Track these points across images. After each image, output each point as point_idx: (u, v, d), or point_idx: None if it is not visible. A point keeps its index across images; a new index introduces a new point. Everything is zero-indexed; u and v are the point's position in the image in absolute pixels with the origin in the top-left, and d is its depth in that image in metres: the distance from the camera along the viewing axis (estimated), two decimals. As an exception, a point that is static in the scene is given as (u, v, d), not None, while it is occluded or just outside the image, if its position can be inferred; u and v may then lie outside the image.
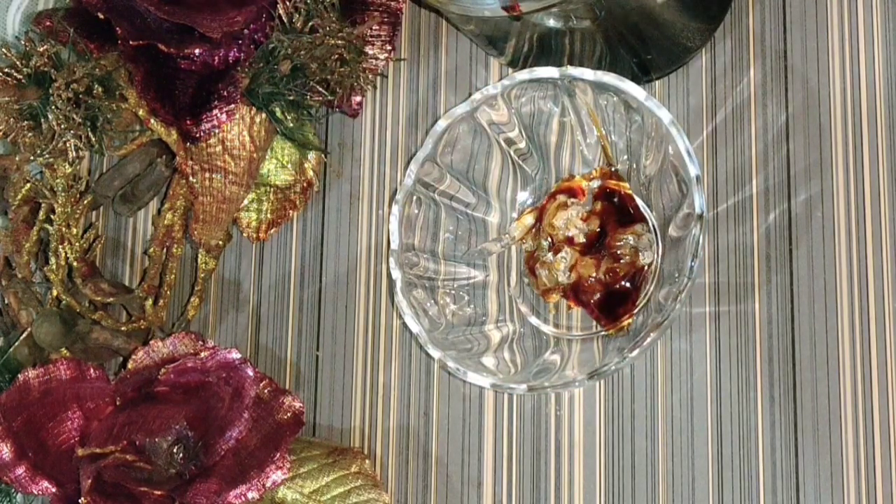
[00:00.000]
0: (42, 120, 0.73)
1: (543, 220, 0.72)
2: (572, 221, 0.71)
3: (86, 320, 0.77)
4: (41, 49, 0.73)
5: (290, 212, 0.78)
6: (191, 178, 0.75)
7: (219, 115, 0.73)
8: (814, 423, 0.68)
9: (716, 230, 0.71)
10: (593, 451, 0.71)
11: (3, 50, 0.74)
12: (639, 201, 0.71)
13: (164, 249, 0.78)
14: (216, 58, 0.75)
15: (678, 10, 0.69)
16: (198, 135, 0.74)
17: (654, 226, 0.70)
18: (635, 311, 0.70)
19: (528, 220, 0.72)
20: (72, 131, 0.73)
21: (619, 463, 0.70)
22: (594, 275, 0.70)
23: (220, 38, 0.74)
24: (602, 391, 0.71)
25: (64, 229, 0.77)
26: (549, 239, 0.71)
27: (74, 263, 0.77)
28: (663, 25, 0.69)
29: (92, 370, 0.75)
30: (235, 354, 0.73)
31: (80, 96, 0.73)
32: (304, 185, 0.78)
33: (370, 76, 0.77)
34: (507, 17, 0.63)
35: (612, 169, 0.71)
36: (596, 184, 0.71)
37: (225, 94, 0.73)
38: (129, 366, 0.75)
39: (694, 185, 0.64)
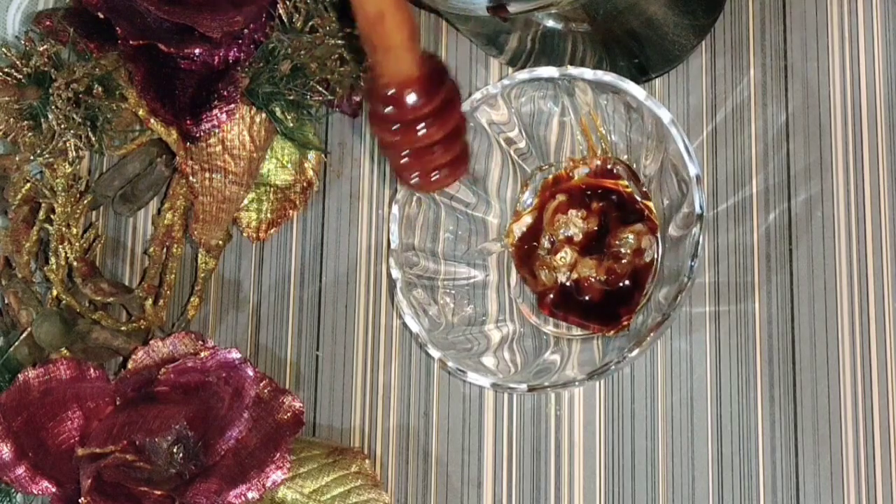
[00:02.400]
0: (42, 120, 0.73)
1: (543, 219, 0.72)
2: (572, 221, 0.71)
3: (86, 320, 0.77)
4: (41, 49, 0.73)
5: (290, 212, 0.78)
6: (191, 178, 0.75)
7: (219, 114, 0.73)
8: (814, 423, 0.68)
9: (716, 230, 0.71)
10: (593, 451, 0.71)
11: (3, 50, 0.74)
12: (639, 200, 0.71)
13: (164, 249, 0.78)
14: (216, 58, 0.75)
15: (667, 6, 0.69)
16: (198, 134, 0.74)
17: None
18: (636, 310, 0.69)
19: (527, 219, 0.72)
20: (72, 131, 0.73)
21: (619, 463, 0.70)
22: (594, 275, 0.70)
23: (220, 38, 0.74)
24: (602, 391, 0.71)
25: (64, 229, 0.77)
26: (550, 238, 0.71)
27: (74, 263, 0.77)
28: (656, 24, 0.69)
29: (92, 370, 0.75)
30: (235, 354, 0.73)
31: (80, 96, 0.73)
32: (304, 184, 0.78)
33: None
34: (497, 18, 0.63)
35: (612, 168, 0.71)
36: (585, 170, 0.71)
37: (225, 93, 0.73)
38: (129, 366, 0.75)
39: (694, 185, 0.64)
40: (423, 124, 0.60)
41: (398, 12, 0.57)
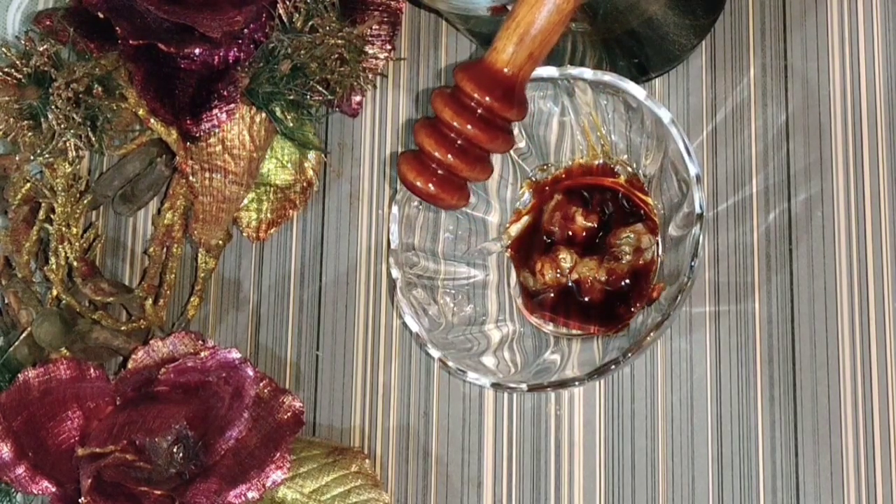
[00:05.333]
0: (42, 120, 0.73)
1: (542, 219, 0.72)
2: (572, 220, 0.71)
3: (86, 320, 0.77)
4: (41, 49, 0.73)
5: (290, 211, 0.78)
6: (191, 178, 0.75)
7: (219, 114, 0.74)
8: (814, 423, 0.68)
9: (716, 230, 0.71)
10: (593, 451, 0.71)
11: (3, 49, 0.74)
12: (639, 200, 0.71)
13: (164, 249, 0.78)
14: (216, 57, 0.75)
15: (667, 6, 0.69)
16: (198, 134, 0.74)
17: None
18: (636, 310, 0.69)
19: (526, 219, 0.72)
20: (72, 131, 0.73)
21: (619, 463, 0.70)
22: (595, 275, 0.70)
23: (220, 38, 0.74)
24: (602, 391, 0.71)
25: (64, 229, 0.77)
26: (549, 238, 0.71)
27: (74, 263, 0.77)
28: (656, 24, 0.69)
29: (92, 370, 0.75)
30: (235, 354, 0.73)
31: (80, 96, 0.73)
32: (304, 184, 0.78)
33: (370, 76, 0.77)
34: (498, 18, 0.63)
35: (612, 168, 0.71)
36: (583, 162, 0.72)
37: (225, 93, 0.73)
38: (129, 365, 0.75)
39: (694, 185, 0.64)
40: (491, 121, 0.61)
41: (561, 23, 0.58)
